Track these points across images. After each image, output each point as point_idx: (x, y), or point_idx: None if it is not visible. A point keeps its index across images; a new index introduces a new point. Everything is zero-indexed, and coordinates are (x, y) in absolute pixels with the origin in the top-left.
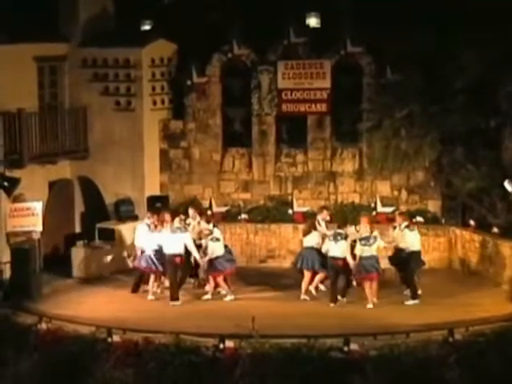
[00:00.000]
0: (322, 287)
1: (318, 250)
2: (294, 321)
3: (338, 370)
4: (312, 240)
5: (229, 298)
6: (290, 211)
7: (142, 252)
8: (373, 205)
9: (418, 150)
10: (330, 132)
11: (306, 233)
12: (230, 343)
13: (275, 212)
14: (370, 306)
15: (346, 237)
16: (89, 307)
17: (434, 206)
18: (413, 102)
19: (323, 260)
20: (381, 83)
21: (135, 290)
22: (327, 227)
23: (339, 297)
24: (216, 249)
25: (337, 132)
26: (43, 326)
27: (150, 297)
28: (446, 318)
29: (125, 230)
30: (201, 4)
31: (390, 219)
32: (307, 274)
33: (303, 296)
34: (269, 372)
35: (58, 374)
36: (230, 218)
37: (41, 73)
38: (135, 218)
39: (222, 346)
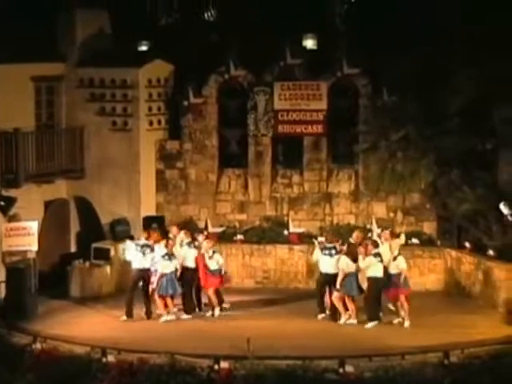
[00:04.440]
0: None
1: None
2: (290, 342)
3: None
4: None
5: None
6: (286, 232)
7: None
8: (368, 226)
9: (413, 171)
10: (326, 153)
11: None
12: (225, 364)
13: (271, 233)
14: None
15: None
16: (84, 327)
17: (429, 227)
18: (409, 124)
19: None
20: (377, 105)
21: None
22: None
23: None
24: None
25: (333, 153)
26: (38, 345)
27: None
28: (441, 340)
29: (120, 249)
30: (198, 25)
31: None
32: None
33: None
34: None
35: None
36: (225, 238)
37: (38, 92)
38: (131, 238)
39: (216, 366)
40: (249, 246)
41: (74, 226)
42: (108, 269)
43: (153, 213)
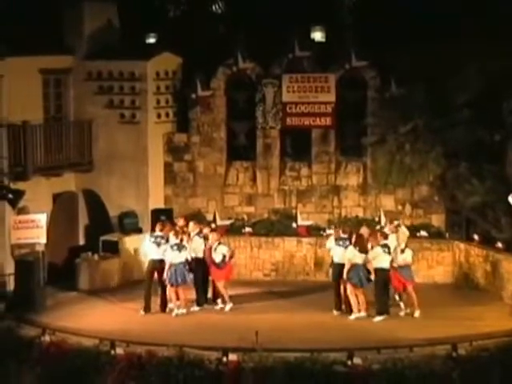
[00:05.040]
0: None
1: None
2: (298, 334)
3: None
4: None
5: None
6: (294, 225)
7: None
8: (377, 219)
9: (422, 164)
10: (334, 146)
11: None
12: (233, 357)
13: (279, 225)
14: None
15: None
16: (92, 320)
17: (438, 220)
18: (417, 117)
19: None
20: (385, 97)
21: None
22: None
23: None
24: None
25: (341, 146)
26: (47, 338)
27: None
28: (449, 332)
29: (129, 242)
30: (206, 18)
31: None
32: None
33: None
34: None
35: None
36: (233, 231)
37: (46, 85)
38: (139, 231)
39: (225, 359)
40: (257, 239)
41: (83, 219)
42: (116, 261)
43: (161, 205)
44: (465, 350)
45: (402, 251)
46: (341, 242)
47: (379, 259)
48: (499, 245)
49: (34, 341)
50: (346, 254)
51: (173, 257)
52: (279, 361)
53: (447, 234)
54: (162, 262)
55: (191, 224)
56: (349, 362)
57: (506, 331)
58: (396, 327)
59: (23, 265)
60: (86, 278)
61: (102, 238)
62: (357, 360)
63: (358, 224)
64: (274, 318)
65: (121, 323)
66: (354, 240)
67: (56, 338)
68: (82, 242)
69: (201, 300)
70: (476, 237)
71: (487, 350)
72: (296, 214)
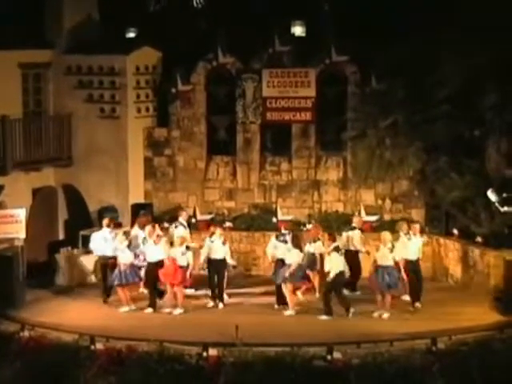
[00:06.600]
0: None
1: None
2: (278, 329)
3: (321, 379)
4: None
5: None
6: (274, 219)
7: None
8: (357, 213)
9: (402, 159)
10: (314, 141)
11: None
12: (213, 351)
13: (259, 220)
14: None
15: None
16: (72, 315)
17: (417, 214)
18: (397, 111)
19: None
20: (365, 92)
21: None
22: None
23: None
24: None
25: (321, 141)
26: (26, 333)
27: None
28: (429, 326)
29: None
30: (186, 12)
31: (374, 228)
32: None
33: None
34: (252, 380)
35: (41, 382)
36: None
37: (25, 79)
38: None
39: (205, 354)
40: (237, 234)
41: (62, 214)
42: (96, 256)
43: (141, 200)
44: (444, 344)
45: (391, 250)
46: (281, 238)
47: (333, 264)
48: (478, 239)
49: (13, 336)
50: (293, 258)
51: (125, 256)
52: (259, 355)
53: (427, 229)
54: (111, 258)
55: (148, 228)
56: (329, 357)
57: (485, 325)
58: (376, 321)
59: (2, 260)
60: (66, 273)
61: (82, 232)
62: (337, 354)
63: (338, 219)
64: (254, 313)
65: (100, 318)
66: (290, 240)
67: (35, 333)
68: (61, 236)
69: (153, 301)
70: (455, 231)
71: (467, 344)
72: (276, 208)
